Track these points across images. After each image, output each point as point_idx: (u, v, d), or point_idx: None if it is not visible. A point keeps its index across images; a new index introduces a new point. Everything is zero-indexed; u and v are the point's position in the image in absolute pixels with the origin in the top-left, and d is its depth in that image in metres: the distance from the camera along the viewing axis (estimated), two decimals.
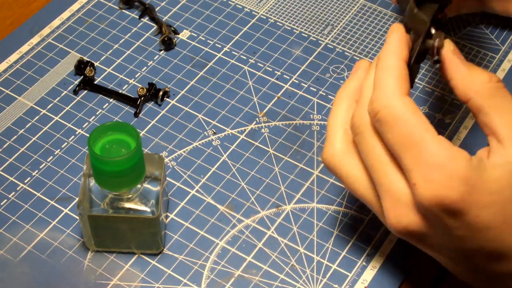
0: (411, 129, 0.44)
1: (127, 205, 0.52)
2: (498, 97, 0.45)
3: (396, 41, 0.47)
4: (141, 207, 0.52)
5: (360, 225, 0.57)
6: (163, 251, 0.56)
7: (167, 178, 0.60)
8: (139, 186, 0.52)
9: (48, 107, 0.65)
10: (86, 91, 0.66)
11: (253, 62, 0.68)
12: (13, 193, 0.59)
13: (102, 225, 0.53)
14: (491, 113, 0.45)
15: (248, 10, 0.73)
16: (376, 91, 0.46)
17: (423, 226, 0.45)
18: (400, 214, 0.45)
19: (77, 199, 0.58)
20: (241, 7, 0.73)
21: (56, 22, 0.72)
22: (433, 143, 0.43)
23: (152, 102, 0.65)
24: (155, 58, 0.69)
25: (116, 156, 0.49)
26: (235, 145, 0.62)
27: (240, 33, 0.71)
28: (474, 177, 0.43)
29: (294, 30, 0.71)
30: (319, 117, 0.64)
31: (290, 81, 0.67)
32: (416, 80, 0.67)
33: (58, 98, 0.66)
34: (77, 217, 0.57)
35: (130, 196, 0.52)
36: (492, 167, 0.43)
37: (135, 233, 0.53)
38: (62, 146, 0.62)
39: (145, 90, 0.64)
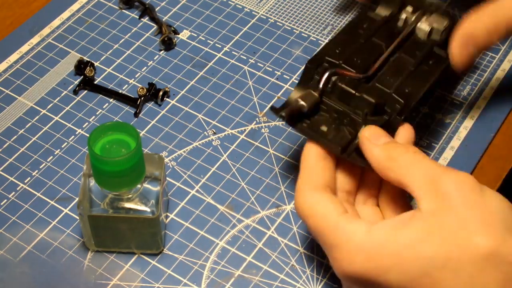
0: (317, 220, 0.48)
1: (127, 205, 0.52)
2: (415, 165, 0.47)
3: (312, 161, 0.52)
4: (141, 207, 0.52)
5: None
6: (163, 251, 0.56)
7: (167, 178, 0.60)
8: (139, 186, 0.52)
9: (48, 107, 0.65)
10: (86, 91, 0.66)
11: (253, 62, 0.68)
12: (13, 193, 0.59)
13: (102, 225, 0.53)
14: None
15: (248, 10, 0.73)
16: (296, 189, 0.50)
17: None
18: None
19: (77, 199, 0.58)
20: (241, 7, 0.73)
21: (56, 22, 0.72)
22: (333, 227, 0.47)
23: (152, 102, 0.65)
24: (155, 58, 0.69)
25: (116, 156, 0.49)
26: (235, 145, 0.62)
27: (240, 33, 0.71)
28: (369, 245, 0.44)
29: (294, 30, 0.71)
30: None
31: (290, 81, 0.67)
32: None
33: (58, 98, 0.66)
34: (77, 217, 0.57)
35: (130, 196, 0.52)
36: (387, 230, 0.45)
37: (135, 233, 0.53)
38: (62, 146, 0.62)
39: (145, 90, 0.64)
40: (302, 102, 0.53)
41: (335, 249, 0.46)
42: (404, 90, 0.56)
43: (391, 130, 0.53)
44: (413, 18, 0.61)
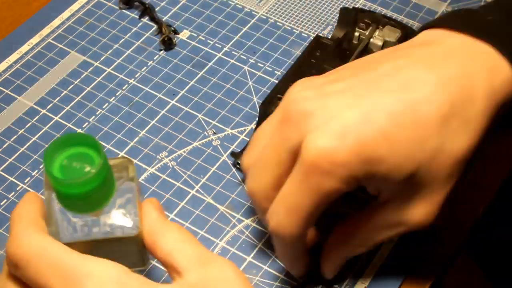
0: (56, 253, 0.39)
1: (106, 220, 0.44)
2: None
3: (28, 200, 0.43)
4: (121, 222, 0.44)
5: None
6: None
7: (167, 178, 0.60)
8: (112, 199, 0.44)
9: (48, 107, 0.65)
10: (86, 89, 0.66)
11: (253, 62, 0.68)
12: (13, 193, 0.59)
13: (81, 249, 0.42)
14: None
15: (248, 10, 0.73)
16: (8, 240, 0.40)
17: None
18: None
19: None
20: (241, 7, 0.73)
21: (56, 22, 0.72)
22: (77, 259, 0.39)
23: (152, 103, 0.65)
24: (155, 58, 0.69)
25: (80, 175, 0.41)
26: (235, 145, 0.62)
27: (240, 33, 0.71)
28: (132, 280, 0.39)
29: (294, 30, 0.71)
30: None
31: None
32: None
33: (58, 98, 0.66)
34: None
35: (106, 212, 0.44)
36: None
37: (116, 252, 0.45)
38: None
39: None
40: None
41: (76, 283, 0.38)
42: None
43: None
44: (367, 33, 0.64)
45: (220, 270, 0.40)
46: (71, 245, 0.42)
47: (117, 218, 0.43)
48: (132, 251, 0.46)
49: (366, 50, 0.65)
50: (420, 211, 0.46)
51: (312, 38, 0.69)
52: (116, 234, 0.44)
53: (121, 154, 0.61)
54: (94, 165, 0.41)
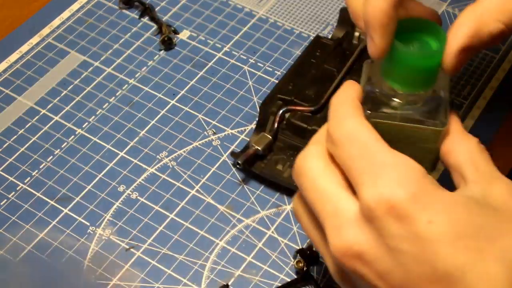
0: (364, 142, 0.41)
1: (411, 114, 0.45)
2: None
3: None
4: (428, 119, 0.45)
5: None
6: (162, 252, 0.56)
7: (167, 178, 0.60)
8: (427, 96, 0.45)
9: (48, 107, 0.65)
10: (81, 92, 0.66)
11: (253, 62, 0.68)
12: (13, 193, 0.59)
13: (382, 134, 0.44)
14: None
15: (248, 10, 0.73)
16: (329, 120, 0.44)
17: (368, 242, 0.39)
18: (344, 233, 0.40)
19: (77, 198, 0.58)
20: (241, 7, 0.73)
21: (56, 22, 0.72)
22: (385, 150, 0.41)
23: (152, 103, 0.65)
24: (155, 58, 0.69)
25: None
26: (235, 145, 0.62)
27: (240, 33, 0.71)
28: (428, 183, 0.39)
29: (294, 30, 0.71)
30: None
31: None
32: None
33: (58, 98, 0.66)
34: (77, 217, 0.57)
35: (416, 105, 0.45)
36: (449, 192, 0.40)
37: (413, 149, 0.45)
38: (62, 146, 0.62)
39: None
40: (256, 147, 0.59)
41: (381, 169, 0.40)
42: None
43: None
44: None
45: (504, 192, 0.40)
46: (380, 125, 0.44)
47: (430, 110, 0.45)
48: (429, 150, 0.46)
49: (366, 50, 0.65)
50: None
51: (312, 38, 0.69)
52: (423, 126, 0.45)
53: (121, 154, 0.61)
54: (434, 45, 0.44)
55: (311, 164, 0.43)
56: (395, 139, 0.44)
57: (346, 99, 0.44)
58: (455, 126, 0.44)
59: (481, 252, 0.37)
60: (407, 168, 0.40)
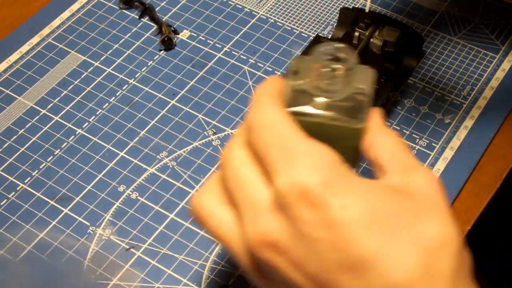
0: (280, 130, 0.41)
1: (332, 113, 0.45)
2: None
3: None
4: (346, 117, 0.45)
5: None
6: (162, 252, 0.56)
7: (167, 178, 0.60)
8: (347, 95, 0.45)
9: (48, 107, 0.65)
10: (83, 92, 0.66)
11: (253, 62, 0.68)
12: (13, 193, 0.59)
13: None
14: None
15: (248, 10, 0.73)
16: (249, 109, 0.43)
17: (282, 230, 0.38)
18: (259, 221, 0.39)
19: (77, 198, 0.58)
20: (241, 7, 0.73)
21: (56, 22, 0.72)
22: (300, 139, 0.41)
23: (152, 103, 0.65)
24: (155, 58, 0.69)
25: None
26: None
27: (240, 33, 0.71)
28: (342, 170, 0.39)
29: (294, 30, 0.71)
30: None
31: None
32: (415, 80, 0.67)
33: (58, 98, 0.66)
34: (77, 217, 0.57)
35: (336, 103, 0.45)
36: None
37: (333, 146, 0.45)
38: (62, 146, 0.62)
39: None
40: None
41: (295, 156, 0.40)
42: None
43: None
44: (366, 33, 0.65)
45: (421, 179, 0.40)
46: (299, 121, 0.43)
47: (350, 108, 0.45)
48: (349, 147, 0.46)
49: (366, 50, 0.65)
50: None
51: (312, 38, 0.69)
52: (342, 124, 0.44)
53: (121, 154, 0.61)
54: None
55: (234, 154, 0.42)
56: (315, 136, 0.44)
57: (267, 90, 0.43)
58: (375, 121, 0.44)
59: (395, 237, 0.37)
60: (321, 156, 0.39)
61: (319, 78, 0.45)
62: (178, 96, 0.66)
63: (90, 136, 0.63)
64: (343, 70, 0.44)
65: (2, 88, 0.66)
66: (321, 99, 0.45)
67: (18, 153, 0.62)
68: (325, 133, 0.44)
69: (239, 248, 0.41)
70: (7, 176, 0.60)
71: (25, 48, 0.69)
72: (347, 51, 0.45)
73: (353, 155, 0.46)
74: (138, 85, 0.66)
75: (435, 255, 0.37)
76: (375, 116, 0.45)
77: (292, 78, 0.45)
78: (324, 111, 0.45)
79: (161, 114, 0.64)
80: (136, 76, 0.67)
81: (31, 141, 0.62)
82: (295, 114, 0.44)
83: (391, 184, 0.40)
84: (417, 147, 0.62)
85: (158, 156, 0.61)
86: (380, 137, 0.43)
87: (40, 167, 0.61)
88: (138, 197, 0.59)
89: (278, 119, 0.41)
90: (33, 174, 0.60)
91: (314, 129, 0.44)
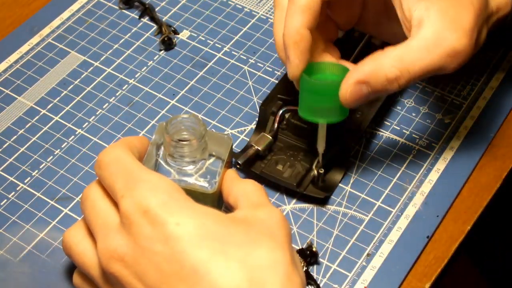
0: (125, 163, 0.47)
1: (188, 179, 0.52)
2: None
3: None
4: (200, 182, 0.52)
5: (360, 225, 0.57)
6: None
7: None
8: (203, 161, 0.53)
9: (48, 107, 0.65)
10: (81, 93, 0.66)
11: (253, 62, 0.68)
12: (13, 193, 0.59)
13: None
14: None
15: (248, 10, 0.73)
16: (100, 154, 0.49)
17: (129, 246, 0.44)
18: (109, 239, 0.45)
19: (77, 198, 0.58)
20: (241, 7, 0.73)
21: (56, 22, 0.72)
22: (142, 169, 0.47)
23: (152, 103, 0.65)
24: (155, 58, 0.69)
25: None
26: (235, 145, 0.62)
27: (240, 33, 0.71)
28: (179, 195, 0.45)
29: None
30: None
31: None
32: None
33: (58, 98, 0.66)
34: (77, 217, 0.57)
35: (192, 170, 0.52)
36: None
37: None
38: (62, 146, 0.62)
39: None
40: (256, 147, 0.59)
41: (139, 183, 0.46)
42: (355, 115, 0.60)
43: (344, 155, 0.59)
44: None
45: (266, 214, 0.46)
46: None
47: (203, 177, 0.52)
48: (208, 202, 0.51)
49: (366, 50, 0.65)
50: (452, 29, 0.51)
51: None
52: (197, 187, 0.52)
53: None
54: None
55: (90, 191, 0.48)
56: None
57: (120, 141, 0.50)
58: (230, 175, 0.52)
59: (226, 254, 0.42)
60: (160, 182, 0.45)
61: (172, 150, 0.51)
62: (178, 96, 0.66)
63: (90, 136, 0.63)
64: (193, 140, 0.51)
65: (2, 88, 0.66)
66: (176, 168, 0.52)
67: (18, 153, 0.62)
68: (187, 192, 0.49)
69: (95, 269, 0.47)
70: (7, 176, 0.60)
71: (25, 48, 0.69)
72: (196, 121, 0.51)
73: (215, 204, 0.53)
74: (138, 85, 0.66)
75: (263, 273, 0.42)
76: (230, 173, 0.53)
77: (153, 145, 0.52)
78: (180, 177, 0.52)
79: (161, 114, 0.64)
80: (136, 76, 0.67)
81: (31, 141, 0.62)
82: None
83: (234, 216, 0.46)
84: (417, 147, 0.62)
85: None
86: (236, 185, 0.51)
87: (40, 167, 0.61)
88: None
89: (123, 155, 0.48)
90: (33, 174, 0.60)
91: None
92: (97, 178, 0.48)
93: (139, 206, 0.44)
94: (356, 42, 0.65)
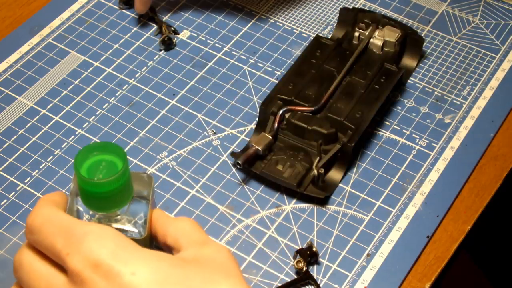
0: (60, 220, 0.44)
1: (115, 225, 0.50)
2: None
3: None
4: (129, 227, 0.50)
5: (360, 225, 0.57)
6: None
7: (167, 178, 0.60)
8: (126, 207, 0.50)
9: (48, 107, 0.65)
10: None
11: (253, 62, 0.68)
12: (13, 193, 0.59)
13: None
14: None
15: (248, 10, 0.73)
16: (27, 218, 0.46)
17: None
18: None
19: None
20: (241, 7, 0.73)
21: (56, 22, 0.72)
22: (79, 223, 0.44)
23: (152, 103, 0.65)
24: (155, 58, 0.69)
25: (103, 178, 0.47)
26: (235, 145, 0.62)
27: (240, 33, 0.71)
28: (125, 241, 0.43)
29: (294, 30, 0.71)
30: None
31: None
32: (416, 80, 0.67)
33: (58, 98, 0.66)
34: None
35: (118, 216, 0.51)
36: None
37: None
38: (62, 146, 0.62)
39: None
40: (256, 147, 0.59)
41: (81, 237, 0.43)
42: (355, 115, 0.60)
43: (345, 155, 0.59)
44: (366, 33, 0.66)
45: (214, 251, 0.45)
46: None
47: (129, 221, 0.50)
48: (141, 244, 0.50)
49: (366, 50, 0.65)
50: None
51: (312, 38, 0.69)
52: (125, 235, 0.48)
53: None
54: (117, 171, 0.47)
55: (23, 256, 0.45)
56: None
57: (47, 198, 0.47)
58: (159, 215, 0.48)
59: None
60: (103, 231, 0.43)
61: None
62: (178, 96, 0.66)
63: (90, 136, 0.63)
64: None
65: (2, 88, 0.66)
66: (97, 215, 0.50)
67: (18, 153, 0.62)
68: None
69: None
70: (7, 176, 0.60)
71: (25, 48, 0.69)
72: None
73: (147, 247, 0.49)
74: (138, 85, 0.66)
75: None
76: (159, 213, 0.49)
77: (72, 195, 0.50)
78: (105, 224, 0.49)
79: (161, 114, 0.64)
80: (136, 76, 0.67)
81: (31, 141, 0.62)
82: None
83: (183, 257, 0.44)
84: (417, 147, 0.62)
85: (158, 156, 0.61)
86: (172, 224, 0.47)
87: (40, 167, 0.61)
88: None
89: (52, 213, 0.45)
90: (33, 174, 0.60)
91: None
92: (25, 243, 0.45)
93: (88, 260, 0.41)
94: (355, 45, 0.65)
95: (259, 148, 0.59)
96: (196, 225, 0.47)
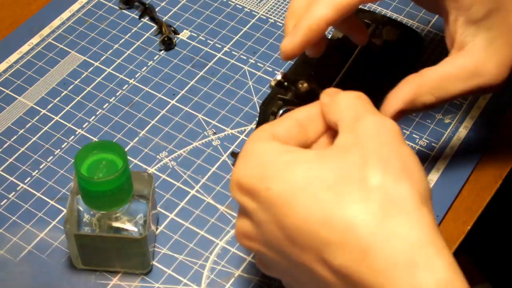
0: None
1: (115, 224, 0.51)
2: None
3: None
4: (129, 227, 0.51)
5: None
6: (163, 252, 0.56)
7: (167, 178, 0.60)
8: (127, 205, 0.51)
9: (48, 107, 0.65)
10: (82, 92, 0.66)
11: (253, 62, 0.68)
12: (13, 193, 0.59)
13: (89, 244, 0.52)
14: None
15: (248, 10, 0.73)
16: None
17: (247, 224, 0.44)
18: (236, 224, 0.46)
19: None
20: (241, 7, 0.73)
21: (56, 22, 0.72)
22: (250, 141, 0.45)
23: (152, 103, 0.65)
24: (155, 58, 0.69)
25: (104, 177, 0.48)
26: (235, 145, 0.62)
27: (240, 33, 0.71)
28: (269, 157, 0.43)
29: None
30: None
31: None
32: None
33: (58, 98, 0.66)
34: None
35: (118, 215, 0.51)
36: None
37: (122, 253, 0.52)
38: (62, 146, 0.62)
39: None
40: None
41: (239, 160, 0.45)
42: None
43: None
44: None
45: (373, 129, 0.44)
46: (85, 237, 0.51)
47: (129, 220, 0.51)
48: (136, 253, 0.52)
49: (366, 50, 0.65)
50: (493, 63, 0.51)
51: None
52: (125, 235, 0.50)
53: None
54: (117, 169, 0.47)
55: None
56: (103, 248, 0.52)
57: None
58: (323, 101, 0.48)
59: (340, 196, 0.40)
60: (243, 152, 0.44)
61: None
62: (178, 96, 0.66)
63: (90, 136, 0.63)
64: None
65: (2, 88, 0.66)
66: (98, 215, 0.51)
67: (18, 153, 0.62)
68: (112, 244, 0.51)
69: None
70: (7, 176, 0.60)
71: (25, 48, 0.69)
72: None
73: (143, 259, 0.53)
74: (138, 85, 0.66)
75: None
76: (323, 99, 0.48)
77: (75, 196, 0.51)
78: (105, 224, 0.51)
79: (161, 114, 0.64)
80: (136, 76, 0.67)
81: (31, 141, 0.62)
82: (81, 231, 0.51)
83: (338, 144, 0.43)
84: (417, 147, 0.62)
85: (158, 156, 0.61)
86: (333, 101, 0.46)
87: (40, 167, 0.61)
88: None
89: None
90: (33, 174, 0.60)
91: (101, 242, 0.52)
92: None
93: (235, 182, 0.44)
94: (355, 45, 0.65)
95: None
96: (357, 96, 0.46)
